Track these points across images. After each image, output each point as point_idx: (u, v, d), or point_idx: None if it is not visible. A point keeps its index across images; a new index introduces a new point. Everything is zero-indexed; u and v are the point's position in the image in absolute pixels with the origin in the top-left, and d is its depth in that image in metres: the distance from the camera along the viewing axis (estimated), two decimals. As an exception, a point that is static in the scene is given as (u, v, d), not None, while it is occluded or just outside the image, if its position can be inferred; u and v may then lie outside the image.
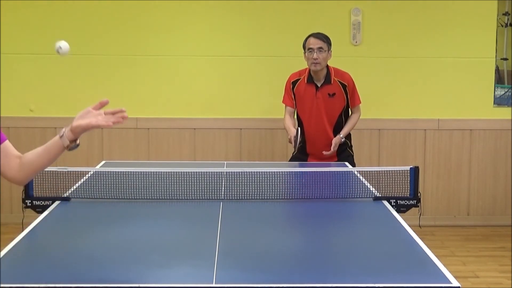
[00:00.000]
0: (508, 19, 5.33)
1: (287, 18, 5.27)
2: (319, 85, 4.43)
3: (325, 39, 4.38)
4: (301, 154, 4.54)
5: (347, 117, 4.55)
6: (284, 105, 4.55)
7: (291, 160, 4.63)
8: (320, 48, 4.33)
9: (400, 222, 2.67)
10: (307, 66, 4.44)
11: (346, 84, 4.43)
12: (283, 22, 5.27)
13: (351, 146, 4.59)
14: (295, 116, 4.56)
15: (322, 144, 4.45)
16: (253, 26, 5.29)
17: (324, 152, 4.41)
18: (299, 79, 4.48)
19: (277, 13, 5.27)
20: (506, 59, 5.36)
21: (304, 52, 4.43)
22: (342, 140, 4.46)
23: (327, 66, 4.43)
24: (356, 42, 5.29)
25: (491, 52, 5.35)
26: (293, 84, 4.50)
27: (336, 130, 4.49)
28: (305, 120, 4.50)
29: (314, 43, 4.35)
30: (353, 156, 4.56)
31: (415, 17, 5.31)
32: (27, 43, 5.24)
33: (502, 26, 5.34)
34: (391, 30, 5.32)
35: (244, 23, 5.29)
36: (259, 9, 5.27)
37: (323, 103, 4.43)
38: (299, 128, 4.32)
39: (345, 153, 4.51)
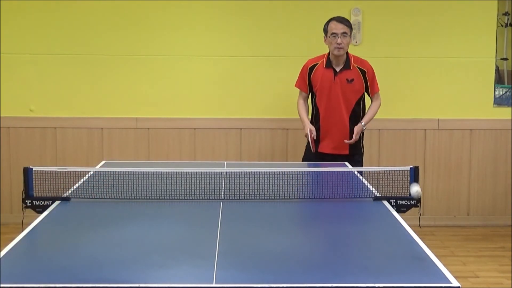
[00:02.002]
0: (508, 19, 5.33)
1: (287, 18, 5.27)
2: (337, 70, 4.39)
3: (348, 23, 4.36)
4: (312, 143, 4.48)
5: (364, 106, 4.50)
6: (298, 89, 4.56)
7: (305, 153, 4.56)
8: (344, 33, 4.30)
9: (400, 222, 2.67)
10: (327, 51, 4.39)
11: (366, 71, 4.40)
12: (283, 22, 5.27)
13: (363, 141, 4.55)
14: (311, 102, 4.53)
15: (337, 131, 4.41)
16: (253, 26, 5.29)
17: (346, 141, 4.36)
18: (317, 64, 4.43)
19: (277, 13, 5.27)
20: (506, 59, 5.37)
21: (325, 36, 4.38)
22: (364, 128, 4.42)
23: (347, 52, 4.40)
24: (356, 42, 5.29)
25: (491, 52, 5.35)
26: (310, 70, 4.45)
27: (352, 119, 4.44)
28: (321, 105, 4.44)
29: (339, 28, 4.30)
30: (363, 153, 4.53)
31: (415, 17, 5.31)
32: (27, 43, 5.24)
33: (502, 26, 5.34)
34: (391, 30, 5.32)
35: (244, 23, 5.29)
36: (259, 9, 5.27)
37: (340, 89, 4.37)
38: (314, 130, 4.30)
39: (357, 149, 4.46)
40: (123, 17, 5.25)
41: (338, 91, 4.37)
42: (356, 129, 4.39)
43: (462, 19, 5.32)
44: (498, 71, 5.38)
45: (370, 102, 4.56)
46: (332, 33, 4.31)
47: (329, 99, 4.40)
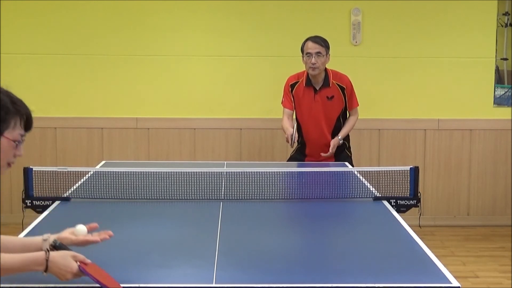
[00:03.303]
0: (508, 19, 5.33)
1: (287, 18, 5.27)
2: (317, 88, 4.42)
3: (323, 43, 4.36)
4: (299, 155, 4.55)
5: (345, 119, 4.55)
6: (282, 107, 4.55)
7: (289, 160, 4.64)
8: (318, 53, 4.31)
9: (400, 222, 2.67)
10: (305, 69, 4.44)
11: (345, 87, 4.43)
12: (283, 22, 5.27)
13: (349, 147, 4.59)
14: (294, 118, 4.56)
15: (320, 147, 4.45)
16: (253, 26, 5.29)
17: (322, 154, 4.41)
18: (298, 82, 4.47)
19: (277, 13, 5.26)
20: (506, 59, 5.36)
21: (302, 56, 4.41)
22: (340, 142, 4.46)
23: (326, 69, 4.42)
24: (356, 42, 5.29)
25: (491, 52, 5.35)
26: (291, 86, 4.49)
27: (334, 133, 4.49)
28: (303, 123, 4.50)
29: (312, 47, 4.32)
30: (351, 157, 4.56)
31: (415, 17, 5.30)
32: (27, 43, 5.24)
33: (502, 26, 5.34)
34: (391, 30, 5.31)
35: (244, 23, 5.29)
36: (259, 9, 5.26)
37: (321, 106, 4.42)
38: (295, 125, 4.32)
39: (343, 154, 4.51)
40: (123, 17, 5.25)
41: (319, 109, 4.43)
42: (332, 142, 4.42)
43: (462, 19, 5.32)
44: (498, 71, 5.38)
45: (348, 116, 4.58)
46: (307, 53, 4.34)
47: (310, 117, 4.46)
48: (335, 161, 4.47)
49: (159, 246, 2.33)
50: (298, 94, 4.47)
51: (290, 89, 4.49)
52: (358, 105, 4.55)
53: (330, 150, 4.39)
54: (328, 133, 4.47)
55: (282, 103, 4.55)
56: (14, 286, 1.89)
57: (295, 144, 4.35)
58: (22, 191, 2.99)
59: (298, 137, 4.48)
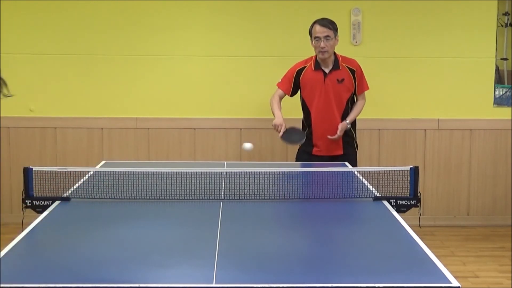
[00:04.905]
0: (508, 19, 5.33)
1: (287, 18, 5.27)
2: (327, 71, 4.41)
3: (331, 25, 4.36)
4: (306, 147, 4.52)
5: (353, 104, 4.54)
6: (277, 87, 4.55)
7: (297, 154, 4.60)
8: (327, 37, 4.32)
9: (400, 222, 2.67)
10: (313, 54, 4.42)
11: (355, 70, 4.43)
12: (283, 22, 5.27)
13: (356, 139, 4.58)
14: (301, 106, 4.55)
15: (330, 132, 4.43)
16: (253, 26, 5.29)
17: (329, 137, 4.39)
18: (305, 67, 4.46)
19: (277, 13, 5.27)
20: (506, 59, 5.36)
21: (311, 40, 4.41)
22: (348, 126, 4.44)
23: (334, 53, 4.42)
24: (356, 42, 5.29)
25: (491, 52, 5.35)
26: (298, 73, 4.47)
27: (344, 117, 4.47)
28: (313, 108, 4.47)
29: (320, 31, 4.33)
30: (356, 152, 4.56)
31: (415, 17, 5.31)
32: (27, 43, 5.24)
33: (502, 26, 5.34)
34: (391, 30, 5.32)
35: (244, 23, 5.29)
36: (259, 9, 5.27)
37: (332, 89, 4.41)
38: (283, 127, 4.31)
39: (351, 148, 4.49)
40: (123, 17, 5.25)
41: (329, 92, 4.42)
42: (340, 126, 4.41)
43: (462, 19, 5.32)
44: (498, 71, 5.38)
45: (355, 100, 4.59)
46: (315, 37, 4.35)
47: (320, 100, 4.44)
48: (343, 153, 4.44)
49: (159, 246, 2.33)
50: (306, 79, 4.45)
51: (294, 75, 4.46)
52: (368, 88, 4.56)
53: (338, 133, 4.37)
54: (339, 116, 4.44)
55: (278, 83, 4.54)
56: (14, 286, 1.89)
57: (282, 130, 4.30)
58: (22, 191, 2.99)
59: (306, 127, 4.46)
